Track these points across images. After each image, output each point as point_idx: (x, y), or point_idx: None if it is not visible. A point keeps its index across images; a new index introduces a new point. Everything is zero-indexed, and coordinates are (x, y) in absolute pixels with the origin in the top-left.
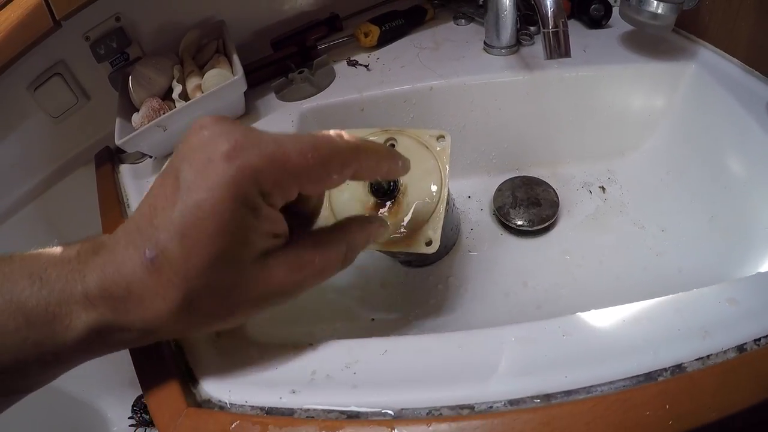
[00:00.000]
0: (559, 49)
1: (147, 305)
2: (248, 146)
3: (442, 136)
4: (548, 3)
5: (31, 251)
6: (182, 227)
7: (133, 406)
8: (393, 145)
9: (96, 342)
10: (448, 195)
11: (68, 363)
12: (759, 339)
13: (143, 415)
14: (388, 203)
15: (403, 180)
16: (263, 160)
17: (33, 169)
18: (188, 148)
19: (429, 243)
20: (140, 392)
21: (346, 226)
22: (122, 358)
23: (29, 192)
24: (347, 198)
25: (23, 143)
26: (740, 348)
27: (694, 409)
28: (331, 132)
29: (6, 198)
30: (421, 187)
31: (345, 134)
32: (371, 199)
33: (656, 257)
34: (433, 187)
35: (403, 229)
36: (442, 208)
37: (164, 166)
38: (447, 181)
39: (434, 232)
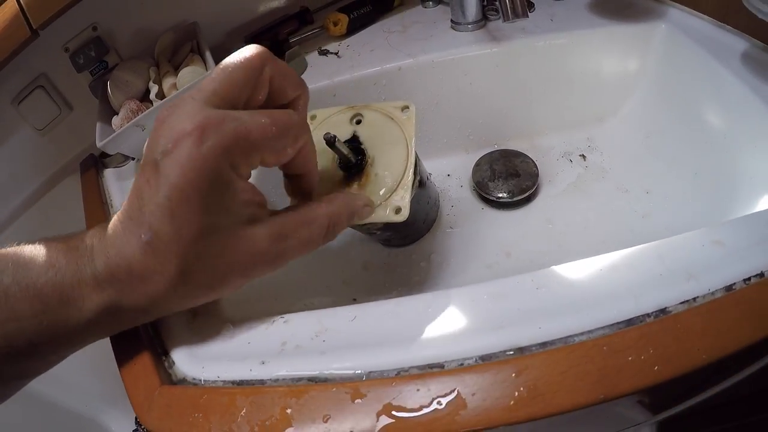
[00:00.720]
0: (515, 9)
1: (148, 282)
2: (212, 126)
3: (407, 107)
4: None
5: (40, 241)
6: (170, 209)
7: (136, 419)
8: (359, 121)
9: (105, 321)
10: (419, 165)
11: (79, 343)
12: (749, 278)
13: (147, 429)
14: (357, 177)
15: (371, 152)
16: (228, 138)
17: (22, 182)
18: (158, 138)
19: (398, 210)
20: None
21: (331, 201)
22: None
23: (20, 205)
24: (318, 177)
25: (11, 158)
26: (728, 288)
27: (680, 351)
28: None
29: None
30: (389, 157)
31: (292, 111)
32: (339, 173)
33: (642, 219)
34: (401, 156)
35: (374, 201)
36: (410, 173)
37: (141, 161)
38: (413, 149)
39: (402, 200)
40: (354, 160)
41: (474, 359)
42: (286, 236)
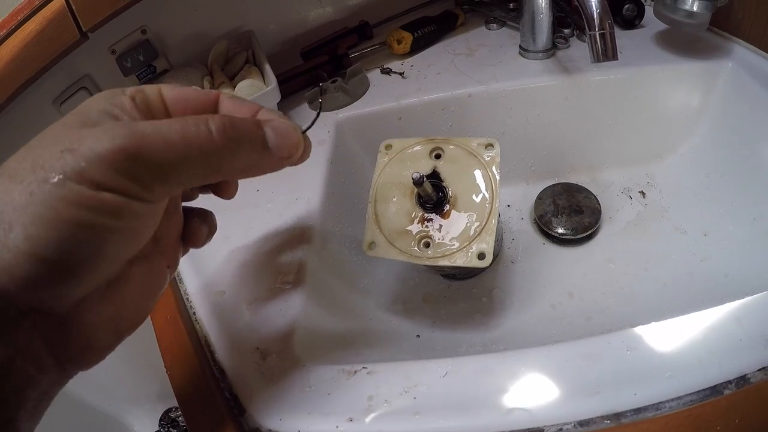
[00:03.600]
0: (606, 51)
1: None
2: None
3: (491, 145)
4: (593, 4)
5: None
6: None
7: (160, 420)
8: (439, 156)
9: None
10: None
11: None
12: None
13: (171, 429)
14: (437, 215)
15: (453, 190)
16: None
17: None
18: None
19: (482, 256)
20: (168, 406)
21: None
22: (150, 372)
23: None
24: (394, 211)
25: None
26: None
27: (764, 421)
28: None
29: None
30: (471, 198)
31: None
32: (420, 213)
33: (700, 263)
34: (483, 198)
35: (454, 243)
36: (494, 220)
37: None
38: (498, 192)
39: (487, 245)
40: (435, 199)
41: (573, 425)
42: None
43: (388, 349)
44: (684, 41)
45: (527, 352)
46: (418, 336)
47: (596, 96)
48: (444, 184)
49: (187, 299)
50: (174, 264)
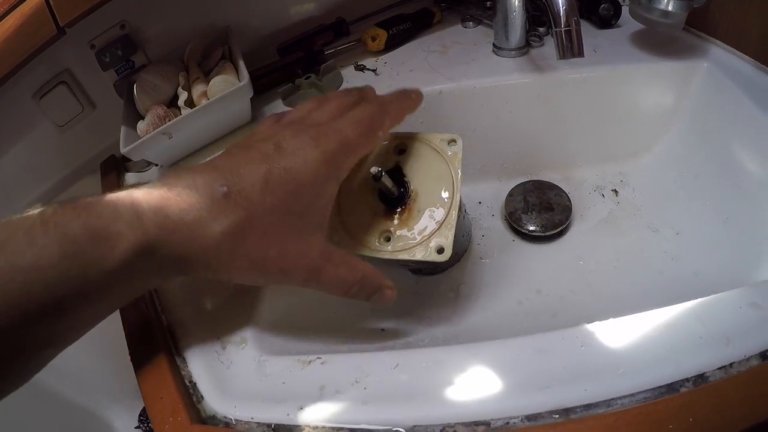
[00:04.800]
0: (572, 48)
1: (198, 228)
2: (326, 134)
3: (454, 140)
4: (560, 1)
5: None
6: (268, 179)
7: (140, 415)
8: (402, 151)
9: (136, 269)
10: (460, 201)
11: (106, 299)
12: None
13: (150, 424)
14: (398, 210)
15: (414, 186)
16: (338, 146)
17: (40, 177)
18: (282, 129)
19: (441, 251)
20: None
21: (369, 267)
22: (129, 368)
23: (37, 200)
24: (357, 207)
25: (30, 152)
26: (763, 355)
27: (719, 421)
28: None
29: (13, 207)
30: (432, 193)
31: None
32: (381, 207)
33: (671, 261)
34: (445, 193)
35: (414, 237)
36: (454, 214)
37: (247, 139)
38: (459, 187)
39: (446, 240)
40: (396, 194)
41: (520, 418)
42: (330, 259)
43: (351, 342)
44: (660, 41)
45: (480, 345)
46: (383, 330)
47: (569, 94)
48: (406, 179)
49: (154, 289)
50: None
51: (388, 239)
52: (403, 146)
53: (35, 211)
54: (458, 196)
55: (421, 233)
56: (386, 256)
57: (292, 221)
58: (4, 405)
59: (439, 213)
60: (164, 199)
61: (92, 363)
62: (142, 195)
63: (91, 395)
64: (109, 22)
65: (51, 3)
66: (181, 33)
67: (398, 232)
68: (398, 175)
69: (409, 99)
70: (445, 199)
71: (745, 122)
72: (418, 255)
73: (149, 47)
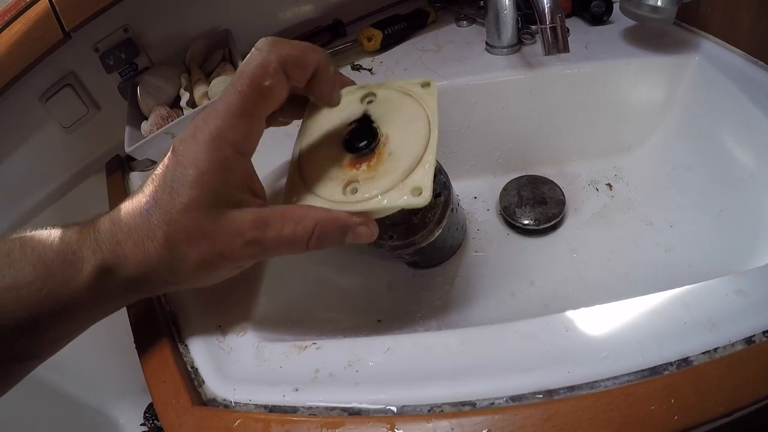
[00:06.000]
0: (557, 44)
1: (140, 247)
2: (209, 111)
3: (428, 83)
4: None
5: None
6: (172, 182)
7: (145, 412)
8: (371, 101)
9: (101, 289)
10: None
11: (77, 318)
12: (767, 331)
13: (155, 421)
14: (366, 157)
15: (383, 129)
16: (223, 114)
17: (47, 177)
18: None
19: (418, 192)
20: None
21: (326, 210)
22: (135, 365)
23: (44, 200)
24: (318, 160)
25: (37, 153)
26: (748, 340)
27: (700, 402)
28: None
29: (21, 206)
30: (406, 135)
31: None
32: (346, 156)
33: (665, 253)
34: (420, 133)
35: (385, 185)
36: (431, 155)
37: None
38: (436, 123)
39: (422, 179)
40: (366, 141)
41: (505, 399)
42: (266, 225)
43: (348, 331)
44: (652, 36)
45: (467, 330)
46: (380, 321)
47: (562, 90)
48: (375, 125)
49: None
50: None
51: (354, 191)
52: (371, 97)
53: (17, 235)
54: (435, 134)
55: (393, 180)
56: (352, 208)
57: (206, 211)
58: (11, 402)
59: (414, 152)
60: (115, 224)
61: (98, 361)
62: (103, 223)
63: (97, 393)
64: (113, 26)
65: (57, 9)
66: (183, 37)
67: (367, 181)
68: (367, 123)
69: (289, 44)
70: (422, 140)
71: (736, 115)
72: (393, 200)
73: (151, 50)
